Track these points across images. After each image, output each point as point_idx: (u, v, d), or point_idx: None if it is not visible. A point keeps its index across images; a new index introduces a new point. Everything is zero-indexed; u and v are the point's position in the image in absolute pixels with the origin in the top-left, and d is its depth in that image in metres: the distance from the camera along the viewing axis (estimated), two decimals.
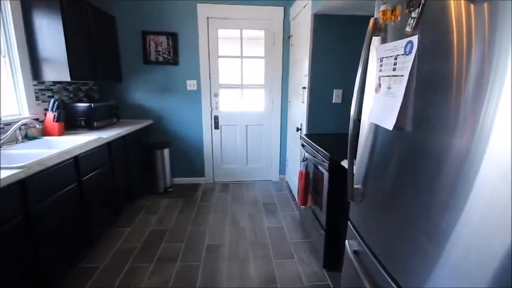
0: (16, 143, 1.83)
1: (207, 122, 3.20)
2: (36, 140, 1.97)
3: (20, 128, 1.86)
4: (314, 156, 1.99)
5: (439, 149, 0.67)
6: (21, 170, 1.30)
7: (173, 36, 2.92)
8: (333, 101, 2.39)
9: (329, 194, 1.74)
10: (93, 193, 1.95)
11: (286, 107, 3.26)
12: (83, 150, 1.81)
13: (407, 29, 0.80)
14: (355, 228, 1.17)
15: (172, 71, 3.03)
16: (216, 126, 3.24)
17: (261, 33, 3.07)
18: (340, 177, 1.63)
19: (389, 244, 0.89)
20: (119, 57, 2.93)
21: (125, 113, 3.07)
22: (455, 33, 0.63)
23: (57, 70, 2.10)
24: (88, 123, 2.39)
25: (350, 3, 1.83)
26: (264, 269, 1.88)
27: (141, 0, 2.83)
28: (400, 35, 0.85)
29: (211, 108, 3.18)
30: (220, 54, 3.07)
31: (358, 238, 1.12)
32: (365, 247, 1.05)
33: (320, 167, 1.88)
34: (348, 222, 1.24)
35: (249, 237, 2.26)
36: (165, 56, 2.95)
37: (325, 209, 1.79)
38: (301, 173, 2.15)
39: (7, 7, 1.84)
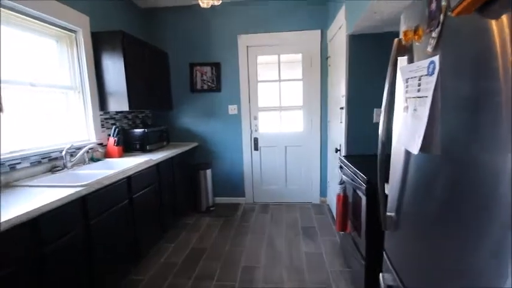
0: (83, 164, 2.15)
1: (247, 144, 3.31)
2: (99, 161, 2.28)
3: (87, 152, 2.18)
4: (352, 180, 1.90)
5: (488, 177, 0.56)
6: (83, 188, 1.53)
7: (216, 66, 3.17)
8: (374, 121, 2.28)
9: (367, 220, 1.63)
10: (142, 210, 2.15)
11: (326, 128, 3.20)
12: (134, 171, 2.03)
13: (429, 48, 0.76)
14: (390, 261, 1.07)
15: (215, 98, 3.26)
16: (256, 148, 3.32)
17: (298, 57, 3.14)
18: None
19: (428, 284, 0.79)
20: (170, 88, 3.28)
21: (175, 137, 3.37)
22: (498, 47, 0.54)
23: (119, 102, 2.45)
24: (142, 146, 2.68)
25: (382, 21, 1.79)
26: None
27: (190, 36, 3.18)
28: (424, 55, 0.81)
29: (251, 131, 3.29)
30: (259, 79, 3.21)
31: (393, 272, 1.02)
32: (399, 283, 0.95)
33: (358, 191, 1.78)
34: (384, 252, 1.15)
35: (285, 261, 2.20)
36: (209, 84, 3.21)
37: (364, 237, 1.67)
38: (338, 197, 2.06)
39: (82, 52, 2.25)
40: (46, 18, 1.94)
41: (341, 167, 2.22)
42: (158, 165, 2.42)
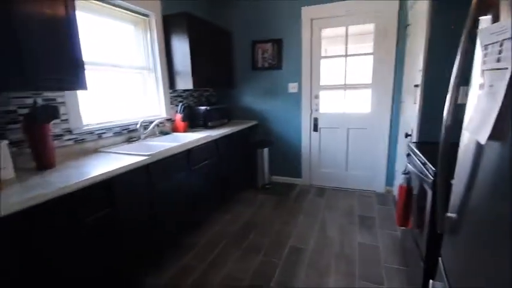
0: (154, 136, 2.44)
1: (306, 124, 3.19)
2: (167, 135, 2.55)
3: (157, 125, 2.47)
4: (420, 170, 1.64)
5: None
6: (148, 157, 1.74)
7: (278, 42, 3.08)
8: (459, 101, 1.87)
9: (432, 218, 1.40)
10: (201, 181, 2.34)
11: (398, 109, 2.80)
12: (194, 145, 2.21)
13: None
14: (444, 268, 0.90)
15: (275, 75, 3.20)
16: (315, 129, 3.18)
17: (370, 28, 2.77)
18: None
19: None
20: (233, 66, 3.37)
21: (236, 115, 3.50)
22: None
23: (185, 81, 2.65)
24: (204, 122, 2.88)
25: None
26: (343, 285, 1.72)
27: (253, 13, 3.14)
28: None
29: (311, 111, 3.14)
30: (322, 55, 2.99)
31: (446, 282, 0.86)
32: None
33: (425, 184, 1.53)
34: (439, 258, 0.97)
35: (335, 248, 2.11)
36: (270, 61, 3.16)
37: (426, 237, 1.45)
38: (401, 188, 1.82)
39: (154, 35, 2.48)
40: (125, 5, 2.19)
41: (408, 155, 1.93)
42: (217, 141, 2.57)
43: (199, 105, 2.97)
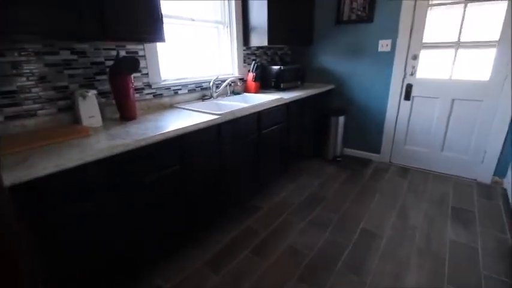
0: (226, 95, 2.38)
1: (395, 91, 2.68)
2: (238, 95, 2.46)
3: (230, 85, 2.38)
4: None
5: None
6: (219, 116, 1.68)
7: None
8: None
9: None
10: (269, 145, 2.23)
11: None
12: (264, 107, 2.06)
13: None
14: None
15: (364, 30, 2.70)
16: (407, 97, 2.65)
17: None
18: None
19: None
20: (312, 20, 2.97)
21: (310, 77, 3.18)
22: None
23: (259, 37, 2.44)
24: (276, 84, 2.67)
25: None
26: (426, 286, 1.45)
27: None
28: None
29: (405, 74, 2.60)
30: (431, 2, 2.33)
31: None
32: None
33: None
34: None
35: (418, 241, 1.80)
36: (358, 13, 2.65)
37: None
38: None
39: None
40: None
41: None
42: (288, 105, 2.37)
43: (273, 65, 2.75)
